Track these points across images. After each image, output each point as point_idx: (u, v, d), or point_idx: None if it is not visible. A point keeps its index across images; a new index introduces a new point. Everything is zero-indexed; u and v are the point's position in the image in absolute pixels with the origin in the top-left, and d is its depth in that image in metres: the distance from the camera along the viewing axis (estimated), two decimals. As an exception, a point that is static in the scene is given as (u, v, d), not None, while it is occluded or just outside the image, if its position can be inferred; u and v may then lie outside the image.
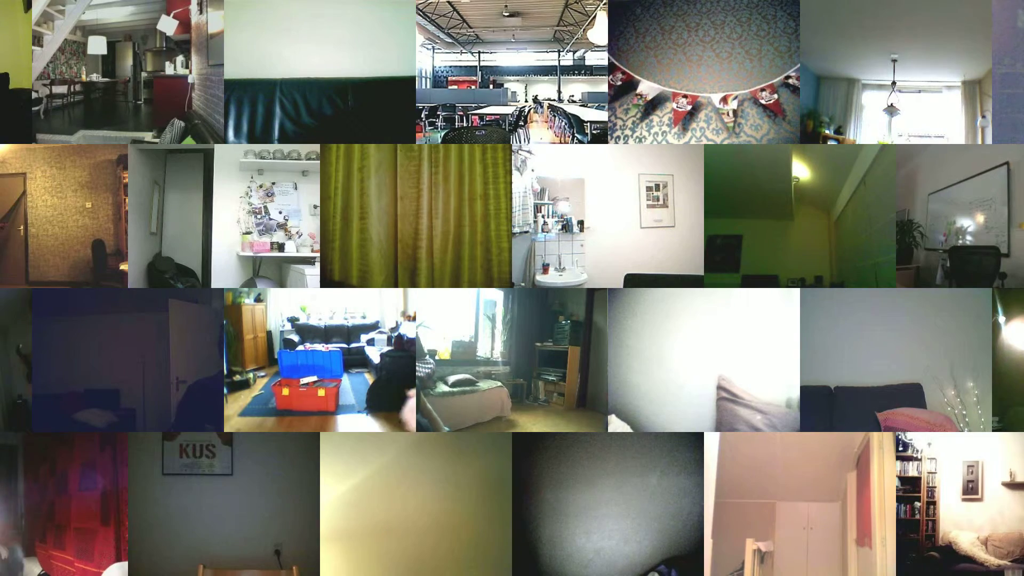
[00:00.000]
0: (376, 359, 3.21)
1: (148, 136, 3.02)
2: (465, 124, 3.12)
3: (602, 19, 2.91)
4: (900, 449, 2.89)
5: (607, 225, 3.19)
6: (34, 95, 2.91)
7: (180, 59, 3.08)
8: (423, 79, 3.08)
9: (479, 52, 3.02)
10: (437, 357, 3.00)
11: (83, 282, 3.02)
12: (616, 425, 2.82)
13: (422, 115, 3.02)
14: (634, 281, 2.97)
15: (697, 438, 2.80)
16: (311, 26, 2.92)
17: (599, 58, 2.95)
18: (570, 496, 2.83)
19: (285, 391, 3.12)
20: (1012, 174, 2.82)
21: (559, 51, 3.02)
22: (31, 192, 3.03)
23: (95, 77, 3.11)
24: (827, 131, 2.94)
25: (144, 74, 3.11)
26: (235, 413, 3.02)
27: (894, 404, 2.85)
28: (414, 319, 3.02)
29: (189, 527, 2.99)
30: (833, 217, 3.02)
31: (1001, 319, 2.86)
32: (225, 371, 3.01)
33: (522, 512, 2.82)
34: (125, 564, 2.93)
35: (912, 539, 2.89)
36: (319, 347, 3.34)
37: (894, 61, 2.90)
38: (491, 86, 3.05)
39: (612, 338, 2.82)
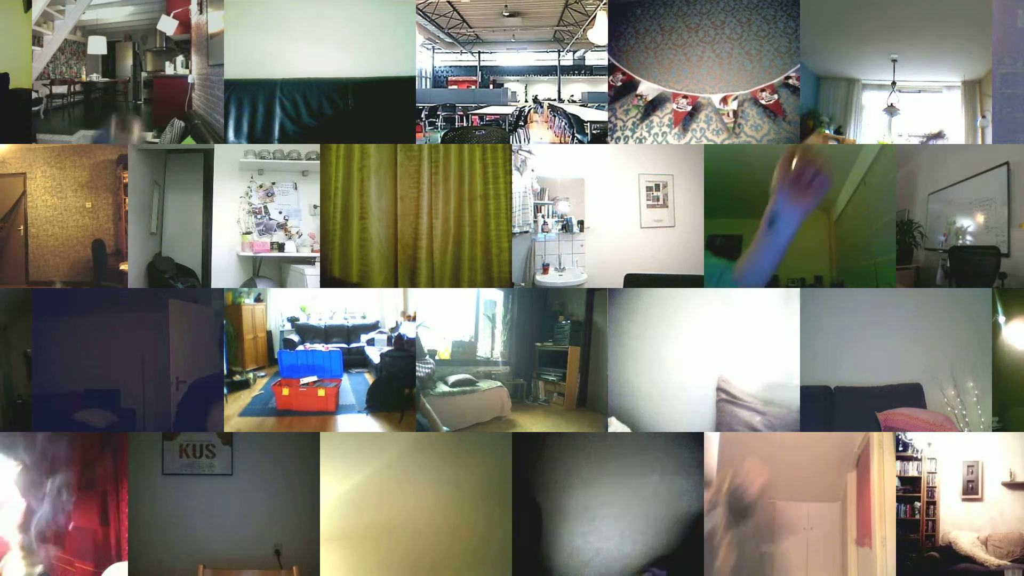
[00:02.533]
0: (376, 359, 3.21)
1: (148, 136, 3.02)
2: (465, 124, 3.12)
3: (602, 19, 2.91)
4: (900, 449, 2.89)
5: (607, 225, 3.19)
6: (34, 95, 2.90)
7: (180, 59, 3.08)
8: (423, 79, 3.08)
9: (479, 52, 3.02)
10: (437, 357, 3.00)
11: (83, 282, 3.01)
12: (616, 426, 2.82)
13: (422, 115, 3.02)
14: (634, 281, 2.97)
15: (697, 438, 2.80)
16: (311, 26, 2.92)
17: (599, 58, 2.94)
18: (570, 496, 2.83)
19: (285, 391, 3.12)
20: (1012, 174, 2.82)
21: (559, 51, 3.02)
22: (31, 192, 3.03)
23: (95, 77, 3.11)
24: (827, 131, 2.94)
25: (144, 74, 3.11)
26: (235, 413, 3.02)
27: (894, 404, 2.85)
28: (414, 319, 3.02)
29: (189, 527, 2.99)
30: (833, 217, 3.02)
31: (1001, 319, 2.86)
32: (225, 371, 3.01)
33: (522, 512, 2.82)
34: (125, 564, 2.93)
35: (912, 539, 2.89)
36: (319, 347, 3.34)
37: (894, 61, 2.90)
38: (491, 86, 3.05)
39: (612, 338, 2.82)
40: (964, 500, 2.93)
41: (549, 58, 3.01)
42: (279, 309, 3.41)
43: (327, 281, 3.03)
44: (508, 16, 3.01)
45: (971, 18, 2.78)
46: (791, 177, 2.56)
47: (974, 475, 2.95)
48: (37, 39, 2.88)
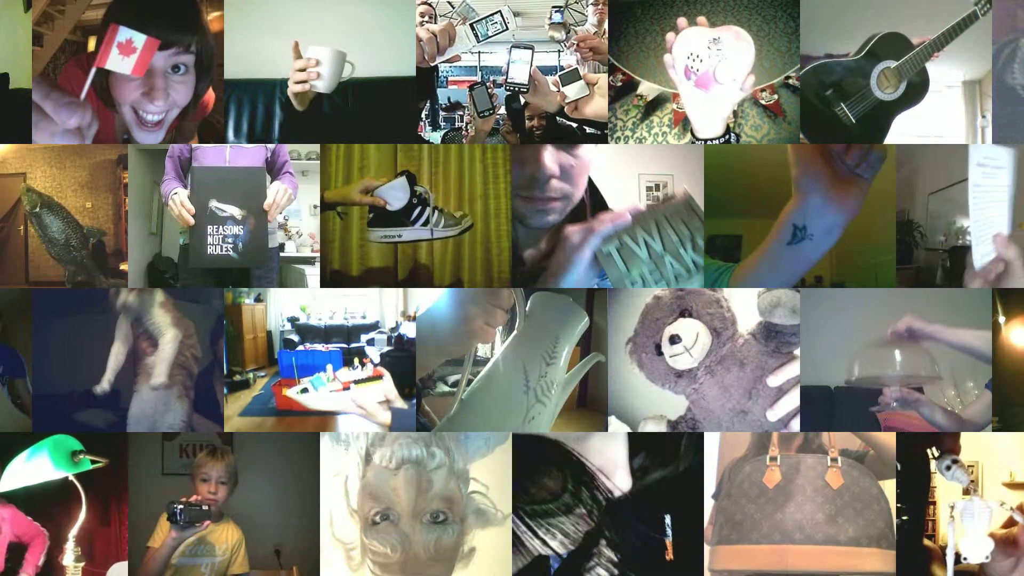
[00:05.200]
0: (376, 359, 3.21)
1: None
2: (466, 119, 3.11)
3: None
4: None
5: (607, 225, 3.18)
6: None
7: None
8: (423, 79, 3.08)
9: (479, 52, 3.02)
10: (437, 357, 2.99)
11: (83, 282, 3.01)
12: (616, 425, 2.82)
13: (422, 115, 3.02)
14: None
15: (697, 438, 2.80)
16: (311, 26, 2.91)
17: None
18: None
19: (285, 391, 3.12)
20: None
21: (559, 51, 3.02)
22: (31, 192, 3.02)
23: (95, 77, 3.09)
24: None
25: (144, 74, 3.09)
26: (235, 413, 3.02)
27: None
28: (414, 319, 3.02)
29: (189, 527, 2.98)
30: (833, 217, 3.01)
31: (1001, 319, 2.86)
32: (225, 371, 3.01)
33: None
34: (125, 564, 2.93)
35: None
36: (319, 347, 3.34)
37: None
38: (491, 86, 3.04)
39: (612, 338, 2.82)
40: (964, 498, 2.92)
41: (549, 58, 3.01)
42: (279, 309, 3.41)
43: (327, 281, 3.03)
44: (508, 16, 3.00)
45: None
46: (833, 164, 2.38)
47: (974, 475, 2.95)
48: (37, 39, 2.88)
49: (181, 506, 2.72)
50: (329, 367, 2.83)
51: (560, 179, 2.60)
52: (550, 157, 2.58)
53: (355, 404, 2.67)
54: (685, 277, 2.42)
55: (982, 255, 2.54)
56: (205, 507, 2.76)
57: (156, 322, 2.89)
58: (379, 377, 2.75)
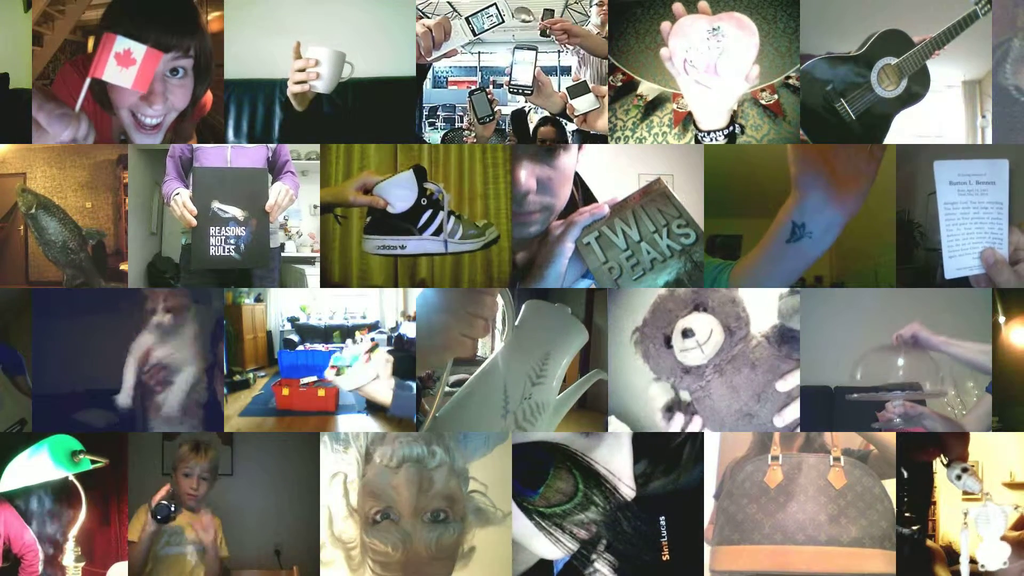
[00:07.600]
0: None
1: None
2: (465, 124, 3.11)
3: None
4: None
5: (607, 225, 3.18)
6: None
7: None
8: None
9: (479, 52, 3.02)
10: (437, 357, 2.99)
11: (82, 285, 3.01)
12: (616, 425, 2.82)
13: (422, 115, 3.02)
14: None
15: (698, 446, 2.79)
16: (311, 26, 2.92)
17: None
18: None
19: (285, 391, 3.12)
20: (1012, 174, 2.81)
21: (559, 51, 3.02)
22: (31, 192, 3.02)
23: (95, 77, 3.10)
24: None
25: (144, 74, 3.09)
26: (235, 413, 3.02)
27: (894, 404, 2.84)
28: (414, 319, 3.02)
29: (189, 527, 2.99)
30: (833, 217, 3.01)
31: (1001, 319, 2.86)
32: (225, 371, 3.01)
33: (522, 512, 2.81)
34: (125, 564, 2.93)
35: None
36: (319, 347, 3.35)
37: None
38: (491, 86, 3.05)
39: (612, 338, 2.82)
40: (964, 500, 2.93)
41: (549, 59, 3.01)
42: (279, 309, 3.41)
43: (327, 281, 3.03)
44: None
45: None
46: (835, 162, 2.32)
47: (974, 475, 2.95)
48: (37, 39, 2.88)
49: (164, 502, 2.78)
50: (349, 341, 2.74)
51: (538, 193, 2.60)
52: (526, 173, 2.57)
53: (386, 363, 2.57)
54: (660, 262, 2.44)
55: (957, 268, 2.58)
56: (172, 505, 2.81)
57: (176, 356, 2.89)
58: (376, 347, 2.68)
